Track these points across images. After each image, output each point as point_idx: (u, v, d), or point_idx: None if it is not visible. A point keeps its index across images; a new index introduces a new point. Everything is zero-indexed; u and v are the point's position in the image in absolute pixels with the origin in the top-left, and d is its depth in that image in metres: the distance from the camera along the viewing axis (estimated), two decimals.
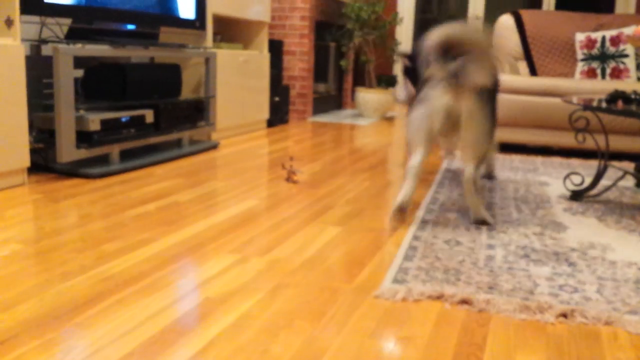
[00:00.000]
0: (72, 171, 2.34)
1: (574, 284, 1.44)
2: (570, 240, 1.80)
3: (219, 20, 3.78)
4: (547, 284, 1.43)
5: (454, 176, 2.61)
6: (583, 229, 1.91)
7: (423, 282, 1.42)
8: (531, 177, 2.73)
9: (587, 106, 2.11)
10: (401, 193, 1.85)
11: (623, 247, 1.73)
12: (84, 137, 2.34)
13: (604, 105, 2.10)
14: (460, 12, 6.31)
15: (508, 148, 3.51)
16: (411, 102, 2.29)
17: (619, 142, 3.19)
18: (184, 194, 2.13)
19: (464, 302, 1.31)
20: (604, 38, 3.64)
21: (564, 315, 1.25)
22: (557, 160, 3.17)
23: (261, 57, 3.85)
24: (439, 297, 1.33)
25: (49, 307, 1.18)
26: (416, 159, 1.85)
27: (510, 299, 1.33)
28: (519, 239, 1.80)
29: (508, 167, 2.96)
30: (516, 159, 3.18)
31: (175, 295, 1.25)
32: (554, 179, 2.70)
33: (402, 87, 2.51)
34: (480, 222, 1.91)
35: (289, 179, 2.41)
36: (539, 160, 3.15)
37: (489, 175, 2.65)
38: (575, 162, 3.10)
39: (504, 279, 1.47)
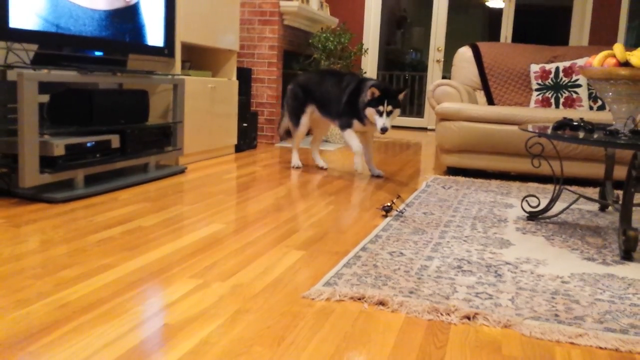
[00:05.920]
0: (35, 196, 2.32)
1: (491, 292, 1.52)
2: (508, 255, 1.88)
3: (189, 48, 3.82)
4: (466, 291, 1.52)
5: (427, 195, 2.69)
6: (526, 246, 1.99)
7: (351, 286, 1.51)
8: (500, 199, 2.83)
9: (542, 133, 2.22)
10: None
11: (557, 263, 1.81)
12: (48, 162, 2.33)
13: (549, 132, 2.22)
14: (422, 44, 6.53)
15: (467, 173, 3.62)
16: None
17: (577, 168, 3.34)
18: (149, 219, 2.13)
19: (381, 303, 1.41)
20: (557, 69, 3.84)
21: (468, 318, 1.35)
22: (533, 185, 3.28)
23: (230, 84, 3.91)
24: (360, 299, 1.43)
25: (2, 335, 1.17)
26: None
27: (423, 301, 1.42)
28: (460, 252, 1.88)
29: (484, 189, 3.06)
30: (494, 183, 3.29)
31: (134, 322, 1.26)
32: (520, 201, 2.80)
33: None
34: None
35: (387, 214, 2.35)
36: (515, 185, 3.26)
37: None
38: (550, 187, 3.23)
39: (427, 285, 1.55)
